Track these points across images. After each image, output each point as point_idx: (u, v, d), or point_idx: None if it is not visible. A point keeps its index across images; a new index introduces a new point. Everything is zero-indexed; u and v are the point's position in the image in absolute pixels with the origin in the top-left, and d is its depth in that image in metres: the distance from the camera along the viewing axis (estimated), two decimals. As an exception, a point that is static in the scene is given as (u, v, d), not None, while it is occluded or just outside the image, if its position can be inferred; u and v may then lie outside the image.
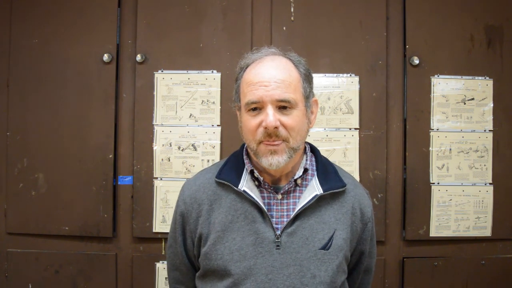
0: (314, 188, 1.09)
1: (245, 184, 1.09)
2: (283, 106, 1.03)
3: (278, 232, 1.06)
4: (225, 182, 1.10)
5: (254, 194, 1.07)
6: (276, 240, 1.05)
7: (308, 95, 1.09)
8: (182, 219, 1.16)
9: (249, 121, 1.05)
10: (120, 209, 1.96)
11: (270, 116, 1.01)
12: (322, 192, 1.08)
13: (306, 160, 1.14)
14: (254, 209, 1.07)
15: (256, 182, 1.10)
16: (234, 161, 1.16)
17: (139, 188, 1.94)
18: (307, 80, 1.10)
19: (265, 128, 1.02)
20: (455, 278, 1.95)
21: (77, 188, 1.94)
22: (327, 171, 1.14)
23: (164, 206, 1.93)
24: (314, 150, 1.19)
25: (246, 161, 1.13)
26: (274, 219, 1.07)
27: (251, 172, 1.11)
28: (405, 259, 1.95)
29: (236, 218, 1.08)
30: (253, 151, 1.07)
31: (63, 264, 1.94)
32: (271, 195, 1.10)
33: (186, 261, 1.18)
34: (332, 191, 1.10)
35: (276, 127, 1.02)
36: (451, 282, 1.95)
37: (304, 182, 1.12)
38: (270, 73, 1.04)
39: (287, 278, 1.04)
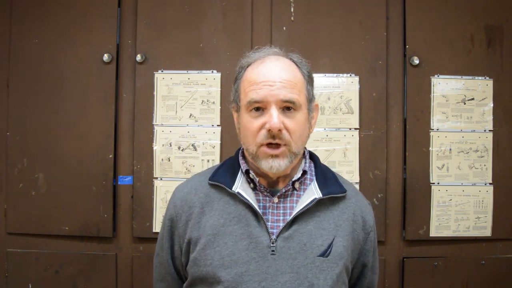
0: (313, 192, 1.04)
1: (240, 186, 1.04)
2: (287, 108, 0.99)
3: (274, 237, 1.00)
4: (219, 184, 1.05)
5: (249, 196, 1.02)
6: (271, 245, 0.99)
7: (311, 98, 1.06)
8: (171, 223, 1.10)
9: (251, 123, 1.00)
10: (120, 209, 1.96)
11: (275, 117, 0.96)
12: (321, 196, 1.03)
13: (305, 164, 1.10)
14: (248, 212, 1.02)
15: (252, 185, 1.05)
16: (229, 164, 1.11)
17: (139, 188, 1.94)
18: (310, 82, 1.07)
19: (269, 130, 0.97)
20: (455, 278, 1.95)
21: (77, 188, 1.94)
22: (326, 176, 1.10)
23: (164, 206, 1.92)
24: (312, 157, 1.15)
25: (241, 162, 1.08)
26: (269, 223, 1.01)
27: (247, 173, 1.05)
28: (405, 259, 1.95)
29: (228, 222, 1.02)
30: (252, 154, 1.02)
31: (63, 264, 1.94)
32: (267, 198, 1.04)
33: (173, 270, 1.11)
34: (332, 195, 1.05)
35: (280, 130, 0.97)
36: (451, 282, 1.95)
37: (302, 186, 1.07)
38: (275, 72, 0.99)
39: (282, 286, 0.97)
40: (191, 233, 1.05)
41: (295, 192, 1.06)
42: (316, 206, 1.04)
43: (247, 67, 1.05)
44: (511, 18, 1.98)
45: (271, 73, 1.00)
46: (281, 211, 1.03)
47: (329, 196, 1.05)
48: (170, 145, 1.95)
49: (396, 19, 1.98)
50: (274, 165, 0.99)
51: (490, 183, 1.96)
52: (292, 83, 1.00)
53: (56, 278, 1.94)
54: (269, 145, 0.99)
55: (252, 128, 1.00)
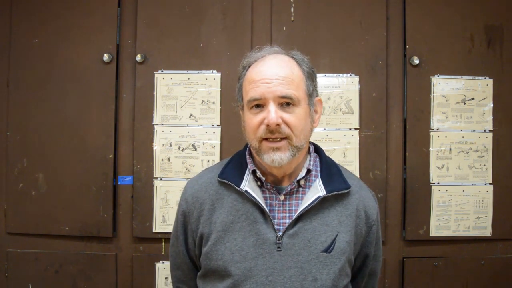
0: (317, 189, 1.08)
1: (247, 184, 1.08)
2: (286, 103, 1.02)
3: (280, 234, 1.04)
4: (227, 182, 1.09)
5: (256, 194, 1.06)
6: (277, 242, 1.04)
7: (311, 93, 1.08)
8: (183, 218, 1.15)
9: (251, 119, 1.04)
10: (120, 209, 1.96)
11: (272, 113, 1.00)
12: (325, 193, 1.06)
13: (310, 160, 1.13)
14: (255, 209, 1.06)
15: (259, 183, 1.09)
16: (237, 161, 1.15)
17: (139, 188, 1.94)
18: (311, 78, 1.09)
19: (267, 125, 1.01)
20: (455, 278, 1.95)
21: (77, 188, 1.94)
22: (331, 172, 1.12)
23: (164, 206, 1.93)
24: (318, 151, 1.18)
25: (248, 161, 1.12)
26: (275, 220, 1.06)
27: (254, 172, 1.09)
28: (405, 259, 1.95)
29: (237, 219, 1.07)
30: (255, 149, 1.06)
31: (63, 264, 1.94)
32: (273, 195, 1.08)
33: (188, 260, 1.17)
34: (335, 192, 1.08)
35: (278, 124, 1.00)
36: (451, 282, 1.95)
37: (307, 183, 1.10)
38: (273, 70, 1.03)
39: (288, 280, 1.03)
40: (203, 228, 1.10)
41: (300, 189, 1.09)
42: (320, 203, 1.07)
43: (249, 67, 1.09)
44: (511, 18, 1.98)
45: (269, 71, 1.04)
46: (287, 208, 1.07)
47: (333, 193, 1.08)
48: (170, 145, 1.95)
49: (396, 19, 1.98)
50: (275, 158, 1.02)
51: (490, 183, 1.96)
52: (289, 79, 1.03)
53: (56, 278, 1.94)
54: (269, 139, 1.03)
55: (252, 124, 1.04)
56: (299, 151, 1.05)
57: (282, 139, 1.02)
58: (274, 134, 1.02)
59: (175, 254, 1.20)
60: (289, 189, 1.08)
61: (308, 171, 1.10)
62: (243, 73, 1.10)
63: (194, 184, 1.16)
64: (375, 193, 1.90)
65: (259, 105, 1.03)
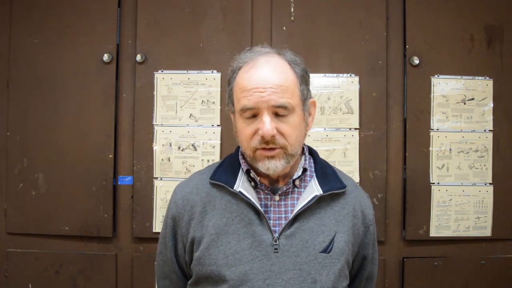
0: (313, 189, 1.05)
1: (241, 185, 1.04)
2: (280, 112, 0.98)
3: (276, 235, 1.01)
4: (220, 183, 1.06)
5: (250, 195, 1.03)
6: (274, 243, 1.00)
7: (305, 97, 1.04)
8: (173, 222, 1.10)
9: (245, 128, 1.00)
10: (120, 209, 1.96)
11: (267, 124, 0.96)
12: (321, 192, 1.04)
13: (305, 160, 1.11)
14: (250, 210, 1.03)
15: (253, 183, 1.06)
16: (229, 162, 1.11)
17: (139, 188, 1.94)
18: (304, 81, 1.04)
19: (262, 136, 0.97)
20: (455, 278, 1.95)
21: (77, 188, 1.94)
22: (326, 172, 1.10)
23: (164, 206, 1.93)
24: (312, 153, 1.15)
25: (242, 161, 1.09)
26: (271, 221, 1.03)
27: (247, 173, 1.06)
28: (405, 259, 1.95)
29: (231, 221, 1.03)
30: (249, 157, 1.03)
31: (63, 264, 1.94)
32: (268, 196, 1.05)
33: (177, 268, 1.12)
34: (332, 191, 1.06)
35: (273, 136, 0.97)
36: (451, 282, 1.95)
37: (302, 183, 1.07)
38: (266, 77, 0.98)
39: (286, 283, 0.99)
40: (194, 232, 1.05)
41: (296, 189, 1.07)
42: (317, 203, 1.05)
43: (239, 70, 1.03)
44: (511, 18, 1.98)
45: (262, 78, 0.98)
46: (283, 209, 1.04)
47: (329, 192, 1.06)
48: (170, 145, 1.95)
49: (396, 19, 1.98)
50: (270, 166, 1.00)
51: (490, 183, 1.96)
52: (284, 87, 0.98)
53: (56, 278, 1.94)
54: (264, 148, 0.99)
55: (246, 134, 1.00)
56: (293, 158, 1.03)
57: (275, 148, 0.99)
58: (269, 145, 0.98)
59: (162, 262, 1.14)
60: (284, 189, 1.05)
61: (304, 170, 1.07)
62: (232, 77, 1.04)
63: (184, 187, 1.12)
64: (375, 193, 1.93)
65: (252, 114, 0.99)
